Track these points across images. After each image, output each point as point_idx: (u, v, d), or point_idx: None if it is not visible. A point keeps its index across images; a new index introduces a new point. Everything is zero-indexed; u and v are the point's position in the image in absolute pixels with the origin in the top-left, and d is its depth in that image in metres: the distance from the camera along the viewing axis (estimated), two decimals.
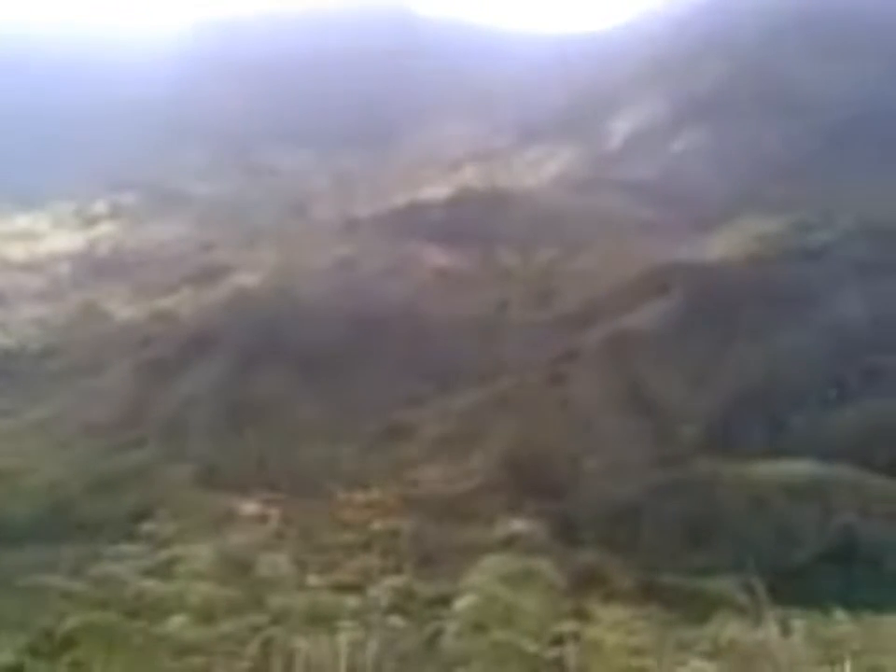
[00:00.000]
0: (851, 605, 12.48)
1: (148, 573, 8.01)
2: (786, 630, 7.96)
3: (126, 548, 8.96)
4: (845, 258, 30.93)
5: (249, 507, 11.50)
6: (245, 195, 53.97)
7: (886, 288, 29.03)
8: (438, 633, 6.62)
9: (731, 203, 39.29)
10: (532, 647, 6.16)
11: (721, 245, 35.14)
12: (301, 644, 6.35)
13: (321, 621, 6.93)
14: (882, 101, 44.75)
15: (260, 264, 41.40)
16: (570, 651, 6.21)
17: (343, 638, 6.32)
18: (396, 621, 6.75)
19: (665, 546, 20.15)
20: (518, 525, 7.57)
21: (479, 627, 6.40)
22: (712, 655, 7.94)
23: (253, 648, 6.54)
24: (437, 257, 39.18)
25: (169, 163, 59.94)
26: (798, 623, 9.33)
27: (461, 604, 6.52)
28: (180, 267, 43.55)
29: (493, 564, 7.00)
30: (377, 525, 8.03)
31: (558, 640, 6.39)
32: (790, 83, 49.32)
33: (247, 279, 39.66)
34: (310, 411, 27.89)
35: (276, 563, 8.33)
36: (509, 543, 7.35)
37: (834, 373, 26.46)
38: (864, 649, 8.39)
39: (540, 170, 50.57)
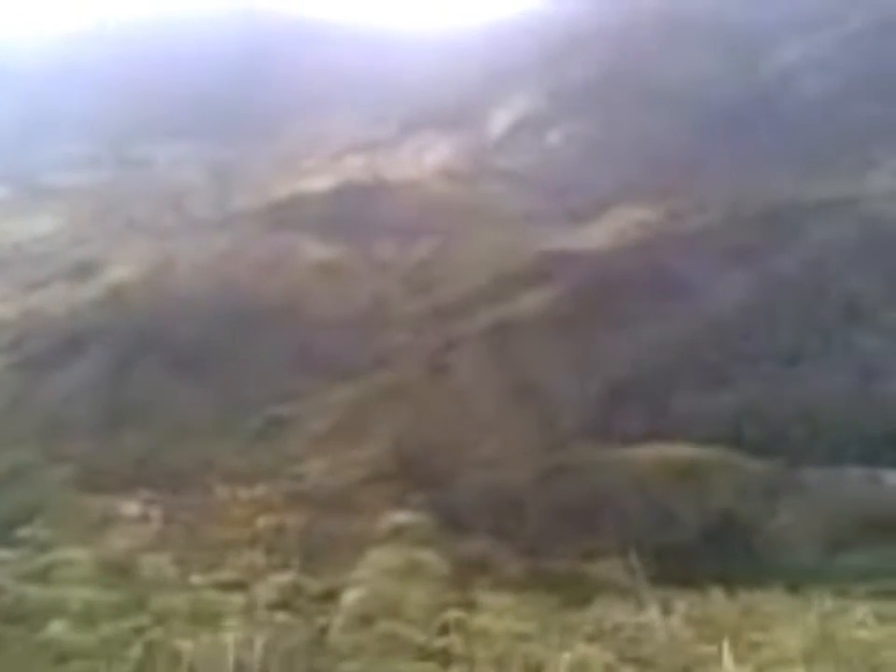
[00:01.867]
0: (728, 583, 12.84)
1: (27, 578, 7.80)
2: (667, 611, 8.15)
3: (3, 553, 8.71)
4: (719, 245, 31.70)
5: (130, 507, 11.29)
6: (119, 188, 52.71)
7: (758, 274, 29.86)
8: (325, 628, 6.62)
9: (608, 192, 39.92)
10: (419, 637, 6.20)
11: (600, 234, 35.71)
12: (186, 644, 6.27)
13: (206, 620, 6.85)
14: (751, 92, 46.00)
15: (136, 258, 40.52)
16: (457, 639, 6.27)
17: (228, 637, 6.26)
18: (282, 617, 6.72)
19: (550, 531, 20.42)
20: (404, 516, 7.58)
21: (366, 620, 6.42)
22: (596, 638, 8.10)
23: (136, 650, 6.42)
24: (317, 249, 38.92)
25: (40, 156, 58.22)
26: (678, 604, 9.58)
27: (348, 598, 6.53)
28: (53, 262, 42.29)
29: (379, 557, 7.02)
30: (262, 522, 7.97)
31: (445, 630, 6.44)
32: (662, 76, 50.30)
33: (123, 274, 38.78)
34: (190, 407, 27.49)
35: (159, 564, 8.20)
36: (395, 535, 7.36)
37: (709, 359, 27.13)
38: (741, 626, 8.64)
39: (422, 161, 50.66)
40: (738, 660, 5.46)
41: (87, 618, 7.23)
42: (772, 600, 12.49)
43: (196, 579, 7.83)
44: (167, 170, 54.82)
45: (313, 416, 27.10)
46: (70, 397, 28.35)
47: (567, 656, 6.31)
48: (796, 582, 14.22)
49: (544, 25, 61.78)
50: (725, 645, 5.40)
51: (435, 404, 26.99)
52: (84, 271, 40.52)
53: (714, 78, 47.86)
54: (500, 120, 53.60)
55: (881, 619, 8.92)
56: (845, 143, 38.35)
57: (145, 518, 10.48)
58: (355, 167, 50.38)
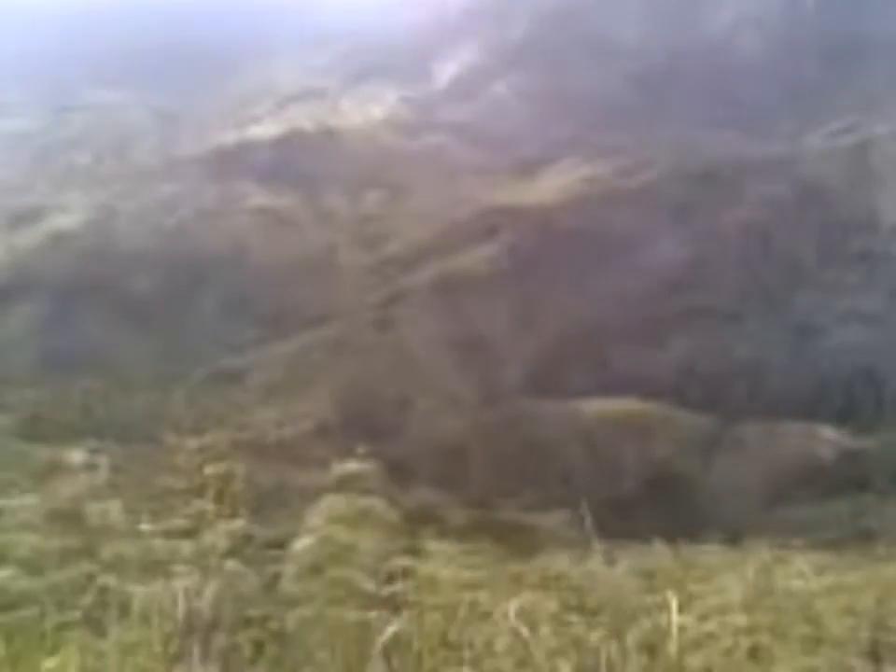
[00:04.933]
0: (669, 535, 13.08)
1: None
2: (610, 561, 8.29)
3: None
4: (663, 201, 31.91)
5: (77, 456, 11.23)
6: (60, 135, 51.65)
7: (699, 232, 30.15)
8: (276, 575, 6.66)
9: (554, 146, 39.94)
10: (368, 584, 6.27)
11: (545, 189, 35.74)
12: (136, 591, 6.28)
13: (156, 567, 6.86)
14: (693, 48, 46.07)
15: (78, 206, 39.86)
16: (405, 587, 6.33)
17: (179, 584, 6.28)
18: (233, 565, 6.74)
19: (496, 483, 20.65)
20: (352, 466, 7.62)
21: (316, 568, 6.47)
22: (541, 587, 8.22)
23: (86, 597, 6.43)
24: (263, 198, 38.57)
25: None
26: (621, 555, 9.75)
27: (298, 546, 6.56)
28: None
29: (328, 505, 7.06)
30: (210, 470, 7.97)
31: (393, 577, 6.51)
32: (607, 29, 50.20)
33: (64, 222, 38.15)
34: (135, 356, 27.30)
35: (107, 511, 8.19)
36: (343, 484, 7.39)
37: (652, 315, 27.42)
38: (682, 577, 8.82)
39: (367, 111, 50.21)
40: (681, 609, 5.57)
41: (35, 565, 7.22)
42: (712, 552, 12.75)
43: (145, 526, 7.83)
44: (110, 116, 53.76)
45: (260, 367, 27.05)
46: (12, 345, 27.98)
47: (513, 604, 6.40)
48: (735, 535, 14.52)
49: None
50: (670, 594, 5.50)
51: (382, 356, 27.04)
52: (24, 218, 39.75)
53: (657, 34, 47.86)
54: (446, 72, 53.28)
55: (818, 569, 9.15)
56: (785, 102, 38.69)
57: (92, 466, 10.44)
58: (300, 116, 49.79)
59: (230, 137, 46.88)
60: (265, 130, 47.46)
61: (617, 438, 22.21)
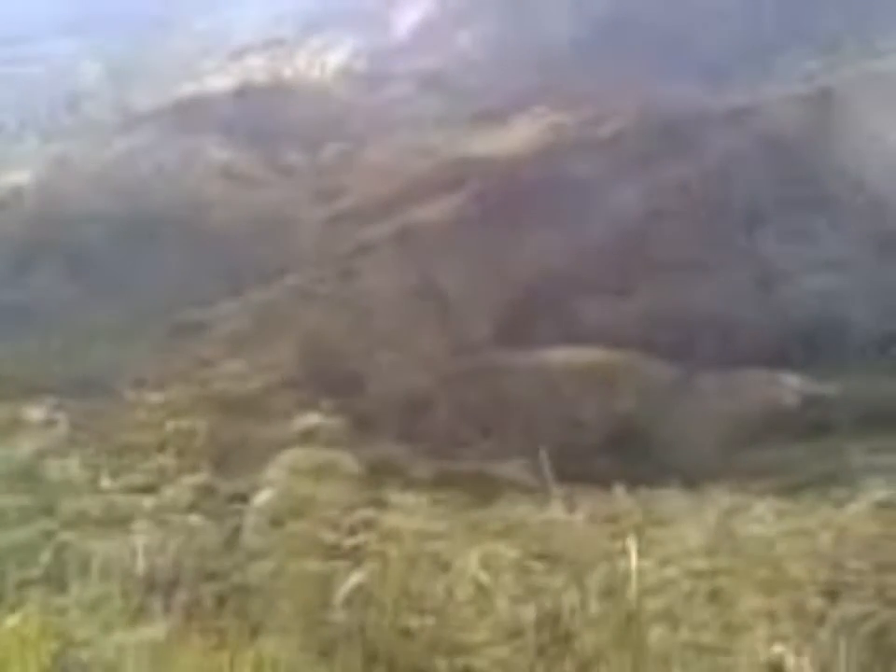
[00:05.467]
0: (630, 483, 13.20)
1: None
2: (571, 508, 8.35)
3: None
4: (628, 151, 31.86)
5: (35, 413, 11.10)
6: (8, 88, 50.56)
7: (662, 182, 30.18)
8: (237, 528, 6.66)
9: (519, 95, 39.67)
10: (331, 536, 6.29)
11: (508, 140, 35.57)
12: (97, 547, 6.26)
13: (117, 523, 6.84)
14: None
15: (30, 161, 39.20)
16: (368, 538, 6.36)
17: (140, 539, 6.27)
18: (194, 519, 6.74)
19: (458, 434, 20.73)
20: (315, 418, 7.61)
21: (278, 521, 6.48)
22: (503, 535, 8.29)
23: (46, 554, 6.40)
24: (220, 153, 38.12)
25: None
26: (582, 502, 9.83)
27: (260, 499, 6.57)
28: None
29: (290, 458, 7.05)
30: (171, 425, 7.94)
31: (356, 529, 6.53)
32: None
33: (16, 178, 37.53)
34: (94, 313, 27.03)
35: (67, 467, 8.14)
36: (306, 438, 7.39)
37: (616, 265, 27.49)
38: (643, 523, 8.92)
39: (325, 61, 49.57)
40: (642, 555, 5.63)
41: None
42: (672, 498, 12.90)
43: (106, 482, 7.80)
44: (62, 68, 52.72)
45: (220, 322, 26.88)
46: None
47: (475, 552, 6.44)
48: (696, 481, 14.70)
49: None
50: (630, 540, 5.56)
51: (343, 309, 26.96)
52: None
53: None
54: (406, 20, 52.64)
55: (779, 514, 9.29)
56: (744, 51, 38.67)
57: (51, 423, 10.32)
58: (255, 67, 49.11)
59: (185, 90, 46.20)
60: (221, 82, 46.79)
61: (581, 387, 22.33)
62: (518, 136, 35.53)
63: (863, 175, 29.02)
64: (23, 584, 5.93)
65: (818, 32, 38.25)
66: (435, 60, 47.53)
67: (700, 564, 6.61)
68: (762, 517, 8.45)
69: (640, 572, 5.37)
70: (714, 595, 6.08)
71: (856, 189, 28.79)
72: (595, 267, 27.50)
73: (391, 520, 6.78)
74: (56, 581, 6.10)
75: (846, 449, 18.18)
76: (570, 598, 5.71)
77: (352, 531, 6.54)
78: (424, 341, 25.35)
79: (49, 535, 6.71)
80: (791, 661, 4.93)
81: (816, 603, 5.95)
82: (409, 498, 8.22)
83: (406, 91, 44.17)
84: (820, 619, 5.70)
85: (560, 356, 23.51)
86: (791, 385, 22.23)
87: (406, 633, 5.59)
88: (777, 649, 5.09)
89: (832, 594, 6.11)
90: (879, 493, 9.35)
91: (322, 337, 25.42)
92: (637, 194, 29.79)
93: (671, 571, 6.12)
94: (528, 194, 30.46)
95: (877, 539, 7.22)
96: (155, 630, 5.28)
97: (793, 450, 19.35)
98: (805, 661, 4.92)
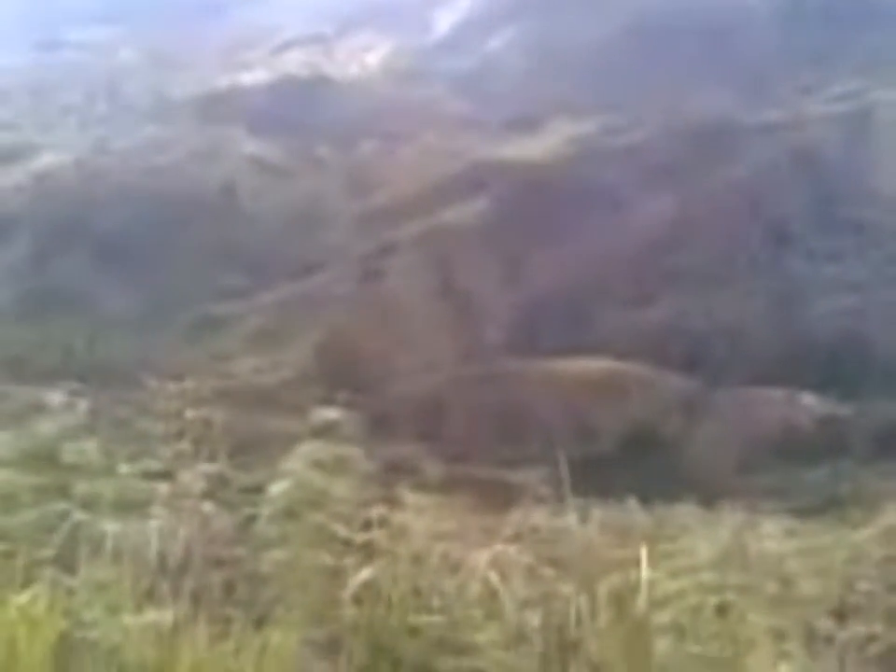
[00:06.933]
0: (644, 495, 13.17)
1: None
2: (584, 518, 8.36)
3: None
4: (653, 160, 31.75)
5: (55, 397, 11.19)
6: (50, 73, 50.91)
7: (688, 193, 30.05)
8: (251, 518, 6.70)
9: (547, 101, 39.62)
10: (343, 531, 6.32)
11: (537, 144, 35.53)
12: (110, 530, 6.30)
13: (131, 507, 6.89)
14: (692, 6, 45.66)
15: (66, 145, 39.43)
16: (379, 534, 6.38)
17: (153, 524, 6.31)
18: (208, 507, 6.78)
19: (473, 439, 20.72)
20: (330, 414, 7.65)
21: (291, 512, 6.51)
22: (514, 540, 8.29)
23: (59, 535, 6.45)
24: (254, 144, 38.25)
25: None
26: (595, 512, 9.83)
27: (274, 489, 6.61)
28: None
29: (306, 451, 7.10)
30: (190, 415, 7.99)
31: (368, 525, 6.56)
32: None
33: (51, 161, 37.75)
34: (119, 300, 27.17)
35: (84, 450, 8.19)
36: (321, 433, 7.43)
37: (637, 275, 27.40)
38: (655, 536, 8.92)
39: (363, 59, 49.70)
40: (652, 566, 5.63)
41: (8, 501, 7.24)
42: (685, 513, 12.87)
43: (122, 467, 7.85)
44: (101, 55, 53.04)
45: (244, 316, 26.96)
46: None
47: (485, 554, 6.45)
48: (709, 497, 14.63)
49: None
50: (642, 551, 5.57)
51: (366, 308, 27.00)
52: (11, 157, 39.31)
53: None
54: (444, 22, 52.75)
55: (790, 533, 9.26)
56: (782, 67, 38.40)
57: (70, 407, 10.41)
58: (294, 62, 49.30)
59: (223, 81, 46.41)
60: (258, 75, 47.00)
61: (596, 397, 22.27)
62: (545, 143, 35.47)
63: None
64: (35, 564, 5.98)
65: (861, 49, 37.93)
66: (468, 63, 47.58)
67: (709, 578, 6.60)
68: (773, 535, 8.43)
69: (650, 582, 5.38)
70: (722, 610, 6.07)
71: (887, 212, 28.60)
72: (615, 276, 27.43)
73: (403, 518, 6.81)
74: (67, 561, 6.14)
75: (860, 471, 18.08)
76: (579, 605, 5.71)
77: (364, 527, 6.57)
78: (442, 343, 25.36)
79: (63, 515, 6.77)
80: None
81: (824, 622, 5.94)
82: (421, 498, 8.26)
83: (438, 92, 44.22)
84: (829, 638, 5.69)
85: (576, 364, 23.47)
86: (808, 405, 22.09)
87: (413, 630, 5.61)
88: (784, 667, 5.09)
89: (841, 614, 6.10)
90: (893, 516, 9.32)
91: (342, 336, 25.48)
92: (662, 205, 29.68)
93: (680, 584, 6.12)
94: (552, 201, 30.40)
95: (889, 561, 7.20)
96: (162, 615, 5.31)
97: (807, 470, 19.23)
98: None
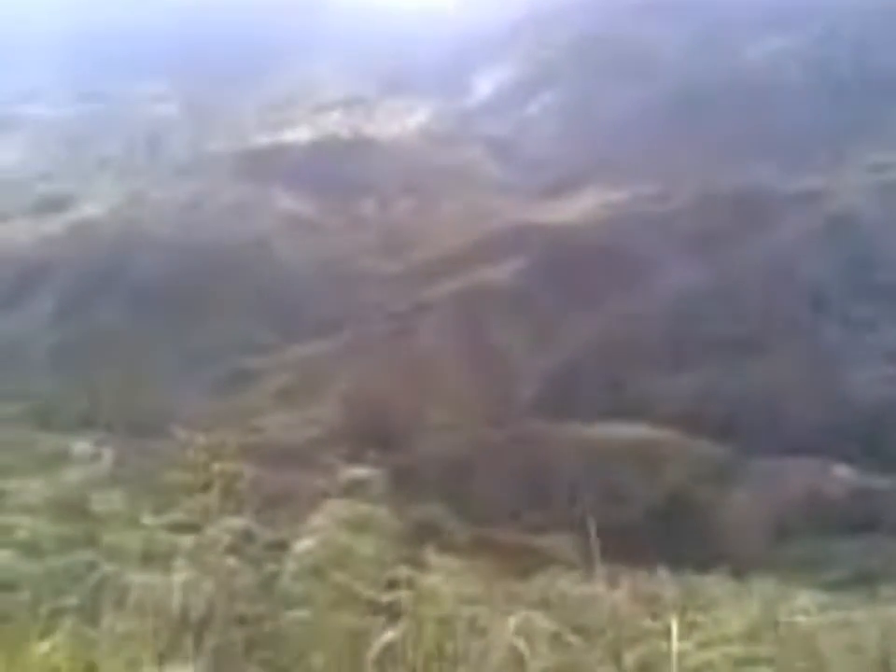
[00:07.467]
0: (674, 564, 13.00)
1: None
2: (613, 585, 8.23)
3: None
4: (690, 227, 31.80)
5: (83, 446, 11.20)
6: (91, 124, 51.66)
7: (723, 260, 30.02)
8: (275, 574, 6.63)
9: (581, 167, 39.89)
10: (368, 591, 6.22)
11: (573, 209, 35.70)
12: (134, 581, 6.25)
13: (156, 559, 6.84)
14: (728, 77, 45.92)
15: (104, 196, 39.94)
16: (405, 596, 6.29)
17: (177, 577, 6.25)
18: (233, 562, 6.71)
19: (501, 502, 20.55)
20: (358, 472, 7.59)
21: (316, 571, 6.43)
22: (541, 606, 8.15)
23: (83, 584, 6.40)
24: (291, 201, 38.66)
25: (6, 88, 56.35)
26: (624, 580, 9.68)
27: (300, 547, 6.53)
28: (17, 196, 41.54)
29: (332, 509, 7.02)
30: (217, 468, 7.95)
31: (393, 586, 6.47)
32: (642, 51, 50.11)
33: (89, 211, 38.23)
34: (151, 352, 27.33)
35: (110, 500, 8.18)
36: (348, 491, 7.36)
37: (671, 341, 27.29)
38: (685, 605, 8.76)
39: (402, 121, 50.33)
40: (681, 636, 5.51)
41: (34, 548, 7.21)
42: (716, 583, 12.67)
43: (148, 518, 7.81)
44: (143, 108, 53.91)
45: (276, 370, 27.04)
46: (29, 334, 28.09)
47: (511, 620, 6.33)
48: (741, 568, 14.41)
49: None
50: (672, 621, 5.44)
51: (397, 365, 27.01)
52: (49, 206, 39.89)
53: (695, 59, 47.77)
54: (483, 87, 53.36)
55: (821, 607, 9.05)
56: (818, 136, 38.48)
57: (98, 457, 10.41)
58: (335, 122, 49.96)
59: (263, 138, 47.05)
60: (299, 134, 47.62)
61: (627, 464, 22.07)
62: (580, 207, 35.64)
63: None
64: (57, 612, 5.92)
65: (893, 120, 37.99)
66: (506, 127, 48.03)
67: (740, 650, 6.44)
68: (805, 608, 8.24)
69: (679, 653, 5.24)
70: None
71: None
72: (648, 341, 27.34)
73: (429, 580, 6.71)
74: (90, 612, 6.09)
75: (893, 545, 17.78)
76: None
77: (389, 587, 6.48)
78: (472, 404, 25.29)
79: (88, 565, 6.72)
80: None
81: None
82: (447, 561, 8.15)
83: (477, 154, 44.62)
84: None
85: (607, 429, 23.31)
86: (841, 476, 21.80)
87: None
88: None
89: None
90: None
91: (373, 392, 25.46)
92: (696, 271, 29.66)
93: (710, 655, 5.96)
94: (586, 265, 30.47)
95: None
96: (182, 671, 5.24)
97: (840, 543, 18.94)
98: None
